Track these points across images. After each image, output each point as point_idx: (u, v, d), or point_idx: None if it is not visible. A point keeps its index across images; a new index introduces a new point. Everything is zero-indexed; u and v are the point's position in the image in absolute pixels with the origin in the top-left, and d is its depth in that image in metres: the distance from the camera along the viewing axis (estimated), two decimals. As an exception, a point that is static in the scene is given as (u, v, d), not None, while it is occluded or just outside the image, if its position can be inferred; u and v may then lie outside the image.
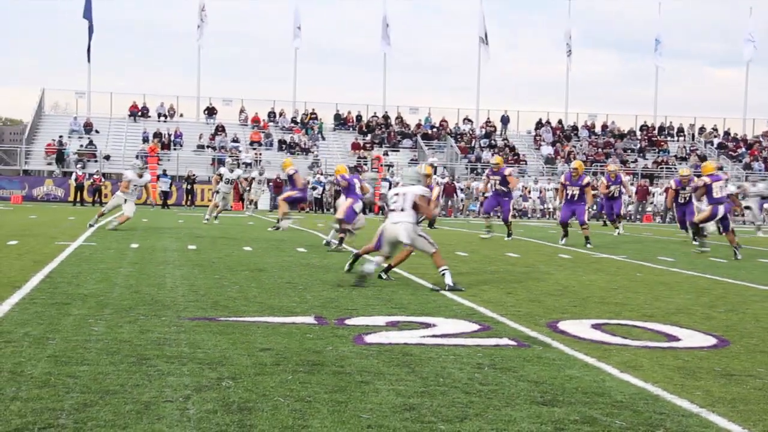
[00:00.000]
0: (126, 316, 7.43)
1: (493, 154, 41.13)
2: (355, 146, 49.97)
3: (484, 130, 53.96)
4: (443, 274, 10.26)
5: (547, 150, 51.77)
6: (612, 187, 23.18)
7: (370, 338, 6.75)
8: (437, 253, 10.49)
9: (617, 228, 24.04)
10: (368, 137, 51.46)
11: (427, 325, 7.47)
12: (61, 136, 46.16)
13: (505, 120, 55.46)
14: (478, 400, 4.96)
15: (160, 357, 5.78)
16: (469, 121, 55.22)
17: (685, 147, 53.99)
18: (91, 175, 41.18)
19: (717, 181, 16.59)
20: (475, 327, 7.50)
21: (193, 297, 8.78)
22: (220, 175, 25.51)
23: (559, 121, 56.32)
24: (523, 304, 9.11)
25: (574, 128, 56.04)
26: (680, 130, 57.05)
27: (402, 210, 10.40)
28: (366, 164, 42.48)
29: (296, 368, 5.59)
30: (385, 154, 47.87)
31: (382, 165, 44.42)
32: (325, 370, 5.58)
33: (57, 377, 5.09)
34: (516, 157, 49.99)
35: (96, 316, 7.33)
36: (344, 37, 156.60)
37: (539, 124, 55.60)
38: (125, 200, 19.78)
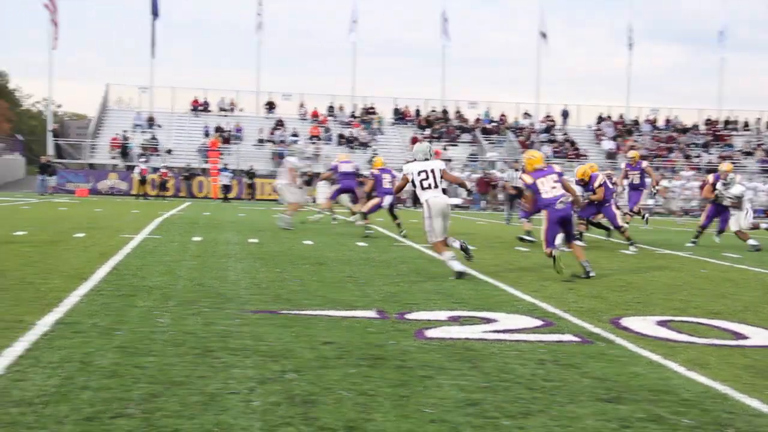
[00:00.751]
0: (190, 308, 7.52)
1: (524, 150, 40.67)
2: (414, 140, 49.96)
3: (544, 125, 53.57)
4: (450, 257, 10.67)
5: (608, 144, 51.20)
6: (630, 174, 20.57)
7: (431, 333, 6.75)
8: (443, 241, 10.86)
9: (628, 223, 20.49)
10: (427, 131, 51.41)
11: (489, 321, 7.44)
12: (125, 131, 46.94)
13: (565, 114, 55.03)
14: (542, 396, 4.93)
15: (224, 349, 5.84)
16: (529, 115, 54.86)
17: (750, 141, 52.95)
18: (156, 169, 41.79)
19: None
20: (537, 323, 7.45)
21: (255, 290, 8.85)
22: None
23: (621, 116, 55.68)
24: (585, 300, 9.03)
25: (636, 122, 55.34)
26: (746, 124, 55.97)
27: (436, 186, 10.90)
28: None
29: (358, 362, 5.61)
30: (444, 148, 47.76)
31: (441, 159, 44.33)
32: (387, 364, 5.59)
33: (125, 368, 5.17)
34: (576, 152, 49.53)
35: (161, 308, 7.43)
36: (403, 32, 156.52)
37: (600, 119, 55.04)
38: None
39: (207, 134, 48.24)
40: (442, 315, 7.66)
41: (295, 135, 48.72)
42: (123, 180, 42.85)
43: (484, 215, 33.46)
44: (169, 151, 46.27)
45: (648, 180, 20.13)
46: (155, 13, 52.41)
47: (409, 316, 7.52)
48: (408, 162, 11.04)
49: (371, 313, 7.60)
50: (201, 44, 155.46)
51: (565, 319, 7.73)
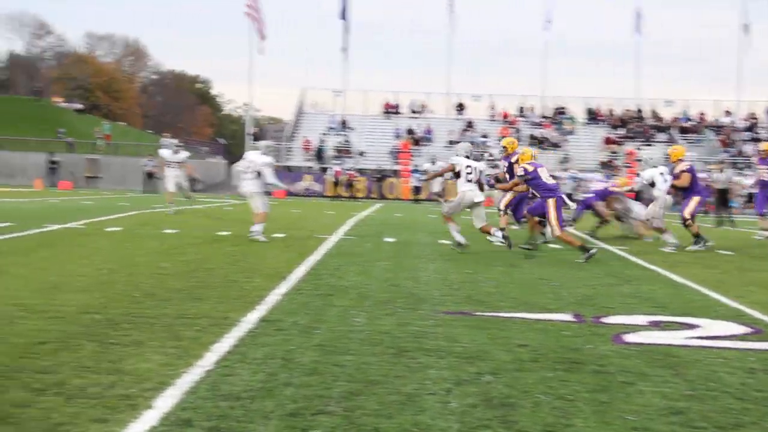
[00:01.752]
0: (385, 308, 7.63)
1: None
2: (608, 141, 48.81)
3: (746, 123, 51.07)
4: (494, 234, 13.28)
5: (817, 142, 48.18)
6: (760, 169, 17.52)
7: (630, 337, 6.55)
8: (486, 226, 13.39)
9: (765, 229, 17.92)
10: (621, 131, 50.12)
11: (691, 326, 7.15)
12: (323, 133, 48.41)
13: (770, 111, 52.22)
14: (754, 407, 4.67)
15: (419, 350, 5.88)
16: (729, 113, 52.43)
17: None
18: (346, 170, 42.79)
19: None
20: (745, 330, 7.08)
21: (447, 291, 8.88)
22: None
23: (834, 111, 52.28)
24: (797, 306, 8.51)
25: None
26: None
27: (477, 181, 13.28)
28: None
29: (555, 366, 5.51)
30: (638, 148, 46.38)
31: (635, 159, 43.08)
32: (585, 368, 5.47)
33: (324, 366, 5.30)
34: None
35: (357, 308, 7.57)
36: (594, 29, 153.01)
37: (810, 114, 51.87)
38: None
39: (398, 136, 48.96)
40: (641, 319, 7.42)
41: (484, 136, 48.66)
42: (317, 182, 44.11)
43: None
44: (361, 153, 47.26)
45: None
46: (344, 16, 53.65)
47: (606, 320, 7.33)
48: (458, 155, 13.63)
49: (566, 316, 7.46)
50: (392, 47, 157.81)
51: (774, 326, 7.31)
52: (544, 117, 52.21)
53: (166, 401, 4.38)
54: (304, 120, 52.48)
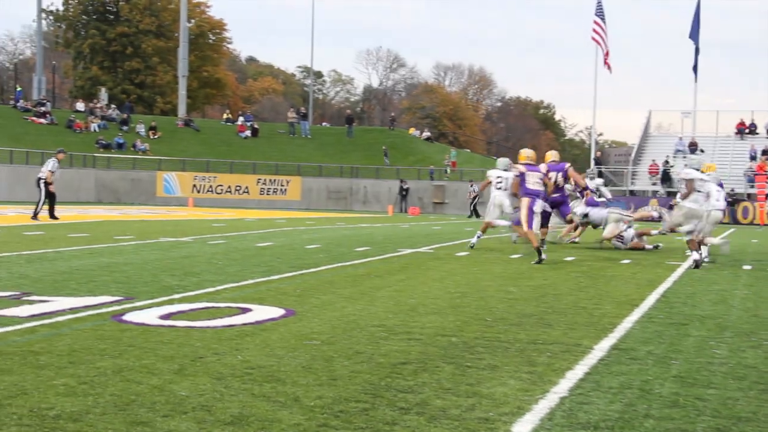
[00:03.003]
0: (748, 340, 7.17)
1: None
2: None
3: None
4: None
5: None
6: None
7: None
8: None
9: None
10: None
11: None
12: (667, 156, 46.82)
13: None
14: None
15: (791, 386, 5.44)
16: None
17: None
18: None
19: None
20: None
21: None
22: None
23: None
24: None
25: None
26: None
27: (505, 189, 16.17)
28: None
29: None
30: None
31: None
32: None
33: (685, 398, 5.05)
34: None
35: (716, 339, 7.18)
36: None
37: None
38: None
39: (753, 158, 46.10)
40: None
41: None
42: (663, 206, 42.61)
43: None
44: (711, 177, 45.07)
45: None
46: (694, 36, 51.52)
47: None
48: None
49: None
50: (746, 63, 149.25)
51: None
52: None
53: (524, 426, 4.38)
54: (649, 143, 51.08)
